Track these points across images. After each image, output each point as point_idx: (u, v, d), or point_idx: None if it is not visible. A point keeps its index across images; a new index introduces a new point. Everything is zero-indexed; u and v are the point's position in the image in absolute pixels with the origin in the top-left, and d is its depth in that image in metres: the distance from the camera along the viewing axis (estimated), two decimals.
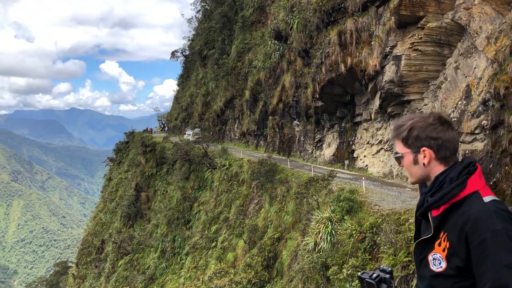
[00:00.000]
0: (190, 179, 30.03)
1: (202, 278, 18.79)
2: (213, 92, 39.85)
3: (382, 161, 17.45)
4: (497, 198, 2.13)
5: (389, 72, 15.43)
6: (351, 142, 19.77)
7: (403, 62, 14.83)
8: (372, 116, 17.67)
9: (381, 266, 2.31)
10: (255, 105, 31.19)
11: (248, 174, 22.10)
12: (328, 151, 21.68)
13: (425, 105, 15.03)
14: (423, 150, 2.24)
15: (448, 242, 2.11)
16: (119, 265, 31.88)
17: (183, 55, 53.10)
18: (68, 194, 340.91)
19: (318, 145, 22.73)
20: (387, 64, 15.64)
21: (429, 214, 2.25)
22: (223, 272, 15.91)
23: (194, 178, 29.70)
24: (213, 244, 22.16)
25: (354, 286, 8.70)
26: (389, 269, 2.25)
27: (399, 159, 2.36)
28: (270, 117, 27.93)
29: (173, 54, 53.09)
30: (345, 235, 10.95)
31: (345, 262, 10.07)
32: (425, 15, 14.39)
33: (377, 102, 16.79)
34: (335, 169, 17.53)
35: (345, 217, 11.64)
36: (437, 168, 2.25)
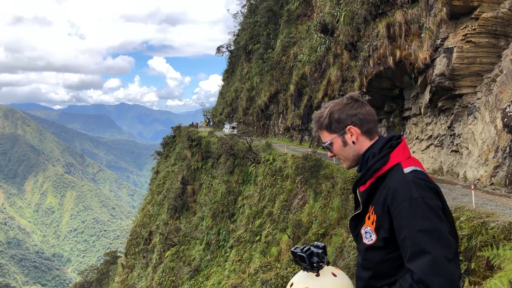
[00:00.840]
0: (235, 173, 30.31)
1: (248, 271, 18.96)
2: (257, 87, 39.96)
3: (432, 157, 16.91)
4: (418, 168, 2.20)
5: (440, 65, 14.89)
6: None
7: (455, 54, 14.26)
8: (422, 111, 17.14)
9: (315, 242, 2.35)
10: (300, 99, 31.01)
11: (292, 169, 22.03)
12: None
13: (478, 99, 14.41)
14: (349, 129, 2.33)
15: (375, 215, 2.20)
16: (166, 256, 32.71)
17: (228, 50, 53.54)
18: (117, 186, 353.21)
19: None
20: (438, 57, 15.10)
21: (357, 190, 2.36)
22: (269, 266, 15.99)
23: (238, 172, 29.96)
24: (257, 238, 22.30)
25: None
26: (322, 244, 2.30)
27: (329, 148, 2.43)
28: (315, 112, 27.71)
29: (218, 49, 53.62)
30: None
31: None
32: (479, 5, 13.76)
33: (427, 96, 16.27)
34: None
35: None
36: (365, 144, 2.35)
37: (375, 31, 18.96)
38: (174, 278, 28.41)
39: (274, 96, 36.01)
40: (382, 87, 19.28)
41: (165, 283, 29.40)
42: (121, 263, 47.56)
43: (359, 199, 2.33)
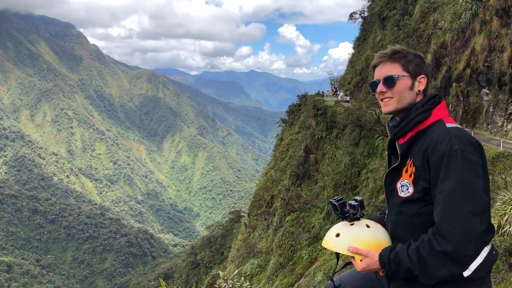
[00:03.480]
0: (360, 145, 29.58)
1: None
2: None
3: None
4: (459, 126, 2.28)
5: None
6: None
7: None
8: None
9: (356, 197, 2.47)
10: (437, 70, 28.74)
11: None
12: None
13: None
14: (422, 77, 2.42)
15: (414, 167, 2.24)
16: (286, 220, 33.65)
17: (361, 16, 51.38)
18: (243, 150, 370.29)
19: (511, 117, 20.00)
20: None
21: (396, 143, 2.43)
22: None
23: (364, 144, 29.16)
24: (379, 212, 21.71)
25: None
26: (360, 198, 2.44)
27: (392, 82, 2.40)
28: (454, 84, 25.47)
29: (351, 16, 51.75)
30: None
31: None
32: None
33: None
34: None
35: None
36: (418, 98, 2.42)
37: None
38: (293, 243, 29.20)
39: None
40: None
41: (284, 246, 30.38)
42: (244, 223, 50.13)
43: (398, 151, 2.39)
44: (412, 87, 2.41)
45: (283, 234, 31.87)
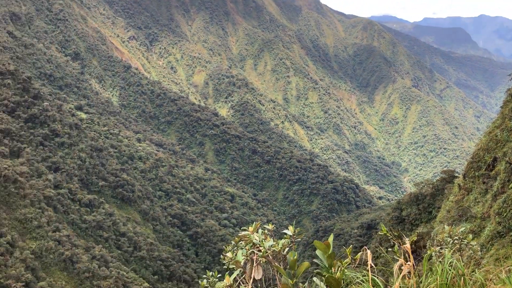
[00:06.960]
0: None
1: None
2: None
3: None
4: None
5: None
6: None
7: None
8: None
9: None
10: None
11: None
12: None
13: None
14: None
15: None
16: (510, 187, 29.69)
17: None
18: (463, 105, 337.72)
19: None
20: None
21: None
22: None
23: None
24: None
25: None
26: None
27: None
28: None
29: None
30: None
31: None
32: None
33: None
34: None
35: None
36: None
37: None
38: None
39: None
40: None
41: (505, 214, 27.00)
42: (458, 184, 46.20)
43: None
44: None
45: (505, 201, 28.22)
